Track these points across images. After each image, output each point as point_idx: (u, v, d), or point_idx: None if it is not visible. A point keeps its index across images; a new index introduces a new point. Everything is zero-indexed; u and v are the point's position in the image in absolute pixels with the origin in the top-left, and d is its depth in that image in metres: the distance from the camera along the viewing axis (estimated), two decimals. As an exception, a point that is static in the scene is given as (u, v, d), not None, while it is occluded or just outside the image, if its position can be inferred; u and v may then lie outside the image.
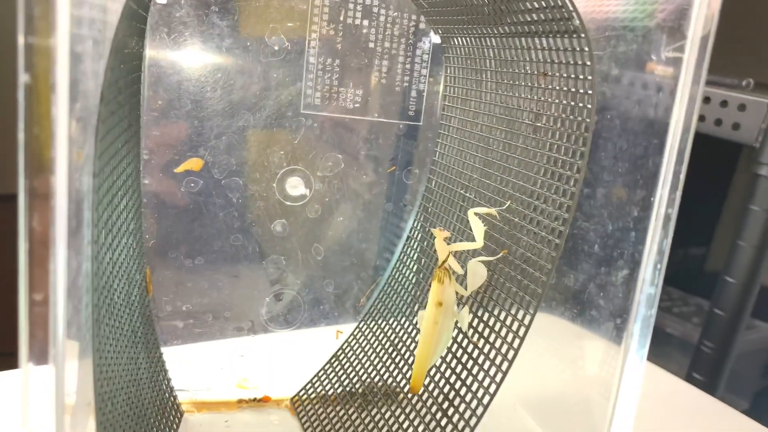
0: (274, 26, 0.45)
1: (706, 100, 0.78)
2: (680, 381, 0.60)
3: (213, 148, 0.46)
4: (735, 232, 0.78)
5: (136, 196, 0.41)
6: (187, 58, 0.44)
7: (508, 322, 0.37)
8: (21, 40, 0.20)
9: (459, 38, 0.45)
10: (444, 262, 0.38)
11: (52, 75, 0.20)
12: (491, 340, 0.38)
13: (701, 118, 0.79)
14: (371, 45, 0.48)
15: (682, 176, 0.29)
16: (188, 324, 0.48)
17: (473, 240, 0.38)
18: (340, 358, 0.50)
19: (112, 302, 0.33)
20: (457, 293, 0.38)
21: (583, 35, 0.32)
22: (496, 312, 0.38)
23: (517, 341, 0.36)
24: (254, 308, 0.50)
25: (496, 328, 0.37)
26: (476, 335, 0.39)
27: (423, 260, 0.48)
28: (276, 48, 0.46)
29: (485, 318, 0.39)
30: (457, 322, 0.39)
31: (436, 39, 0.49)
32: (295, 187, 0.49)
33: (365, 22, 0.47)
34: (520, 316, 0.36)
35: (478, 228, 0.38)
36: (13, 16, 0.20)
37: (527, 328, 0.35)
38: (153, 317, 0.46)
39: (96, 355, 0.28)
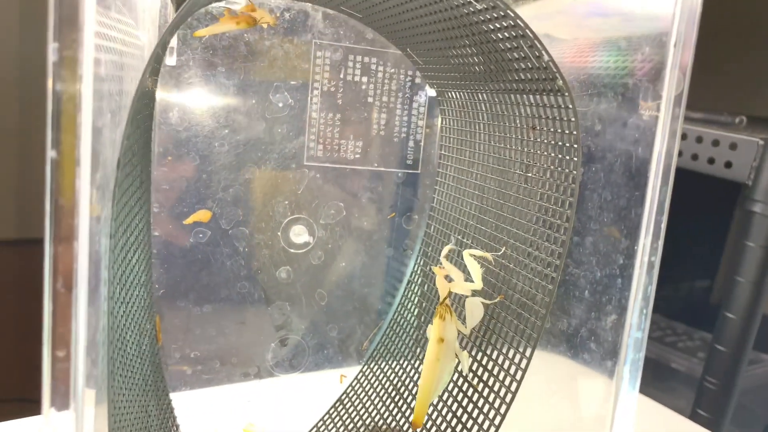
0: (278, 85, 0.48)
1: (699, 139, 0.80)
2: (682, 418, 0.61)
3: (220, 200, 0.48)
4: (733, 268, 0.79)
5: (147, 249, 0.43)
6: (196, 116, 0.46)
7: (505, 366, 0.38)
8: (49, 113, 0.22)
9: (453, 92, 0.48)
10: (445, 299, 0.39)
11: (77, 150, 0.22)
12: (489, 383, 0.39)
13: (694, 157, 0.81)
14: (370, 99, 0.50)
15: (663, 225, 0.30)
16: (196, 370, 0.49)
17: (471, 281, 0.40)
18: (345, 402, 0.51)
19: (125, 353, 0.35)
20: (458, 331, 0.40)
21: (566, 94, 0.35)
22: (494, 356, 0.39)
23: (514, 384, 0.37)
24: (260, 354, 0.51)
25: (494, 372, 0.39)
26: (475, 378, 0.40)
27: (424, 303, 0.50)
28: (280, 105, 0.48)
29: (483, 361, 0.40)
30: (458, 365, 0.41)
31: (431, 92, 0.51)
32: (299, 234, 0.50)
33: (364, 79, 0.50)
34: (516, 359, 0.37)
35: (475, 269, 0.40)
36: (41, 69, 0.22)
37: (524, 371, 0.36)
38: (162, 364, 0.47)
39: (110, 406, 0.30)
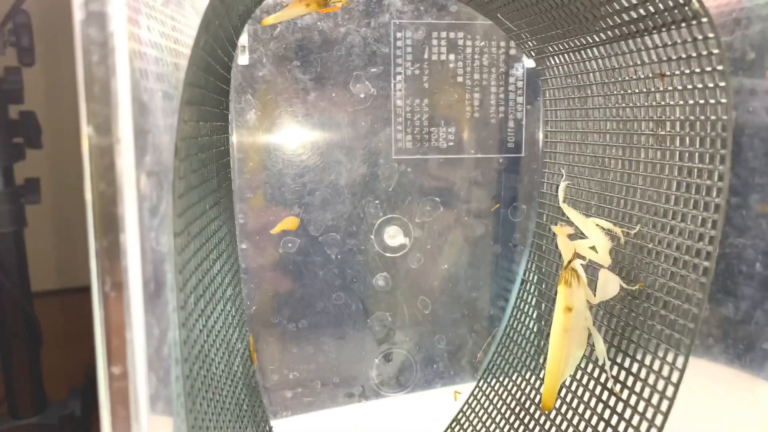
0: (357, 74, 0.44)
1: None
2: None
3: (307, 204, 0.44)
4: None
5: (233, 261, 0.40)
6: (273, 116, 0.43)
7: (656, 367, 0.31)
8: (80, 82, 0.18)
9: (555, 57, 0.42)
10: (570, 261, 0.34)
11: (114, 124, 0.19)
12: (638, 390, 0.32)
13: None
14: (459, 79, 0.45)
15: None
16: (297, 393, 0.45)
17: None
18: (462, 421, 0.45)
19: (210, 374, 0.31)
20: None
21: (705, 19, 0.28)
22: (639, 357, 0.32)
23: (671, 389, 0.30)
24: (363, 371, 0.46)
25: (642, 376, 0.32)
26: (618, 386, 0.33)
27: (543, 305, 0.43)
28: (362, 95, 0.44)
29: (627, 365, 0.33)
30: (592, 355, 0.34)
31: (529, 63, 0.45)
32: (394, 236, 0.46)
33: (451, 57, 0.45)
34: (670, 358, 0.30)
35: (602, 244, 0.34)
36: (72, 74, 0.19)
37: (681, 371, 0.29)
38: (260, 388, 0.44)
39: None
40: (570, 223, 0.37)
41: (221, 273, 0.36)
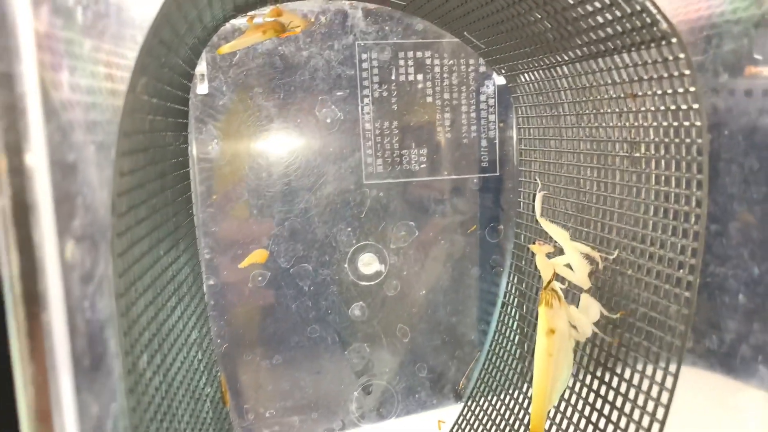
0: (323, 98, 0.42)
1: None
2: None
3: (276, 236, 0.42)
4: None
5: (198, 302, 0.38)
6: (237, 145, 0.41)
7: (640, 402, 0.29)
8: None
9: (526, 74, 0.40)
10: (550, 281, 0.32)
11: (30, 193, 0.17)
12: (623, 425, 0.30)
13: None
14: (429, 99, 0.44)
15: None
16: None
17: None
18: (446, 452, 0.44)
19: (173, 429, 0.29)
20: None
21: (674, 39, 0.26)
22: (623, 390, 0.31)
23: (656, 426, 0.28)
24: (343, 405, 0.45)
25: (627, 411, 0.30)
26: (603, 420, 0.32)
27: (524, 328, 0.42)
28: (328, 120, 0.42)
29: (610, 398, 0.31)
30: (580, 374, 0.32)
31: (500, 80, 0.44)
32: (369, 264, 0.44)
33: (419, 77, 0.43)
34: (654, 393, 0.28)
35: (580, 261, 0.32)
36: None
37: (666, 408, 0.28)
38: (234, 430, 0.42)
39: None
40: (549, 240, 0.36)
41: (183, 319, 0.34)
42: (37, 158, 0.17)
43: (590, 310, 0.32)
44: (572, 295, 0.35)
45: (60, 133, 0.19)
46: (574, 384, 0.34)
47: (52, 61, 0.19)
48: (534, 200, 0.42)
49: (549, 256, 0.34)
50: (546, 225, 0.34)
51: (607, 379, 0.32)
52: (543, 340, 0.32)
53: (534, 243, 0.35)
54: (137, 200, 0.26)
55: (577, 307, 0.32)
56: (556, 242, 0.34)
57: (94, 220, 0.21)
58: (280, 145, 0.42)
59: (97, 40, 0.24)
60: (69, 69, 0.21)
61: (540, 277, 0.40)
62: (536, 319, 0.35)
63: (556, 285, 0.32)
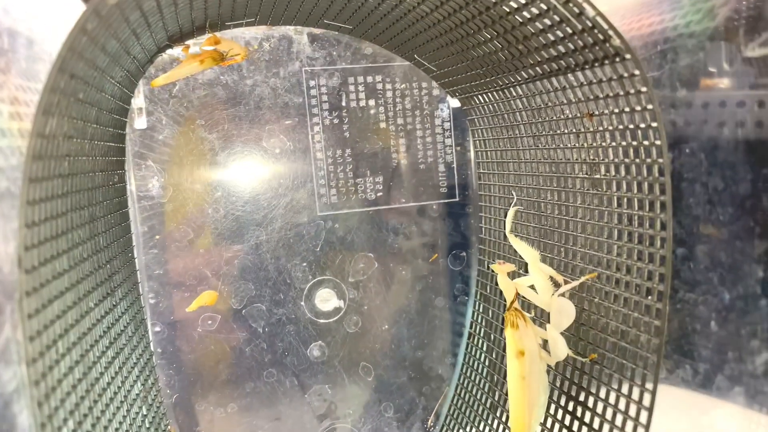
0: (270, 128, 0.40)
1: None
2: None
3: (225, 275, 0.40)
4: None
5: (141, 351, 0.35)
6: (180, 181, 0.39)
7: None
8: None
9: (480, 96, 0.39)
10: (513, 302, 0.31)
11: None
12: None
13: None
14: (382, 125, 0.42)
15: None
16: (232, 485, 0.41)
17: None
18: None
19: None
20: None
21: (628, 56, 0.25)
22: (596, 425, 0.29)
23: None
24: (306, 452, 0.42)
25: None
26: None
27: (493, 359, 0.40)
28: (277, 151, 0.40)
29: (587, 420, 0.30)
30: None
31: (455, 103, 0.43)
32: (327, 300, 0.42)
33: (371, 102, 0.42)
34: (628, 428, 0.27)
35: (544, 287, 0.31)
36: None
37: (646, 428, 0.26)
38: (187, 487, 0.39)
39: None
40: (508, 260, 0.35)
41: (122, 373, 0.31)
42: None
43: (564, 312, 0.30)
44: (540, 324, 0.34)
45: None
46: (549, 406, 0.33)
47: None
48: (496, 224, 0.41)
49: (511, 275, 0.32)
50: (515, 243, 0.33)
51: (579, 413, 0.30)
52: (514, 363, 0.30)
53: (495, 262, 0.34)
54: (55, 251, 0.23)
55: (545, 348, 0.31)
56: (521, 258, 0.33)
57: (-6, 280, 0.19)
58: (227, 178, 0.40)
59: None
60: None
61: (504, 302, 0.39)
62: (504, 349, 0.34)
63: (518, 304, 0.31)
